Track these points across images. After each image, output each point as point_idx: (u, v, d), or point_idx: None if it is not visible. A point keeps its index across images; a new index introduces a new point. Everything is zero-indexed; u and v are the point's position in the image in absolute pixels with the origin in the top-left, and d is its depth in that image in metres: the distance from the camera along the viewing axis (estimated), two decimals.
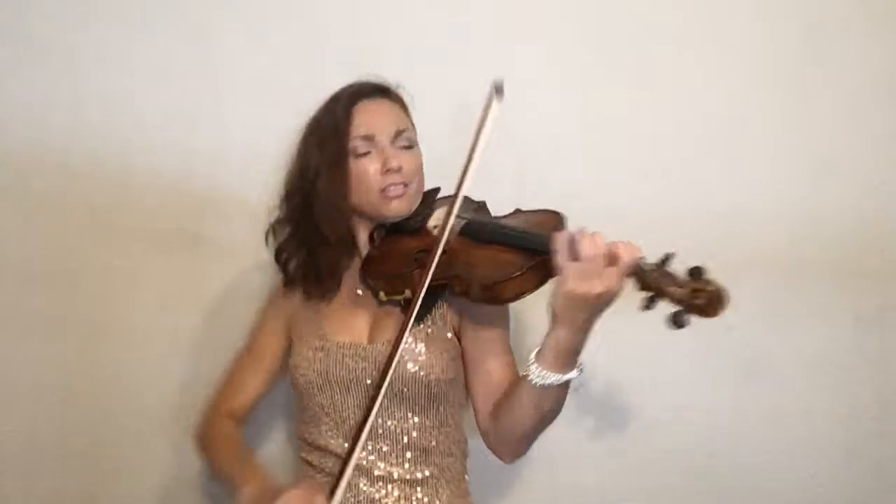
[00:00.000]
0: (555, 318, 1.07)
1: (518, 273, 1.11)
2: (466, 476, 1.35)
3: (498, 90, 1.16)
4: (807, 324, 1.64)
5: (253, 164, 1.60)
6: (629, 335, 1.61)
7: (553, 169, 1.62)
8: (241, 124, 1.60)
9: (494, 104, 1.16)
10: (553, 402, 1.15)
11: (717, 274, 1.25)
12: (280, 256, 1.34)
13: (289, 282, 1.34)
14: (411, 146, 1.31)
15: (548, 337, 1.09)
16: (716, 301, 1.00)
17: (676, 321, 1.01)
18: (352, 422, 1.26)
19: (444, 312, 1.28)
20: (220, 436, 1.35)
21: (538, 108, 1.59)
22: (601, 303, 1.04)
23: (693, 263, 1.03)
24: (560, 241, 1.05)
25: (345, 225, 1.29)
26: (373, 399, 1.15)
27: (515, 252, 1.14)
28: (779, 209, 1.64)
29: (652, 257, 1.05)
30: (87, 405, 1.60)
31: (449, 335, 1.28)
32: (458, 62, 1.62)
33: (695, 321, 1.01)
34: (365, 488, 1.25)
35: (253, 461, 1.29)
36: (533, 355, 1.12)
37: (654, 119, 1.64)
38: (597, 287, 1.02)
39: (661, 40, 1.64)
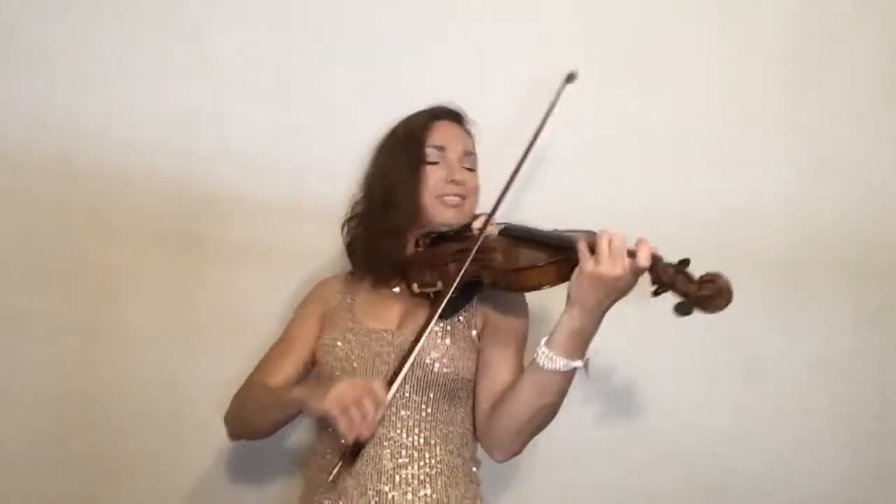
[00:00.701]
0: (571, 300, 1.16)
1: (542, 263, 1.20)
2: (474, 481, 1.34)
3: (570, 78, 1.40)
4: (807, 324, 1.64)
5: (252, 165, 1.60)
6: (630, 335, 1.62)
7: (553, 169, 1.62)
8: (241, 124, 1.60)
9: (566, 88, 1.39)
10: (553, 393, 1.19)
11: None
12: (351, 248, 1.41)
13: (357, 268, 1.41)
14: (474, 169, 1.41)
15: (561, 318, 1.16)
16: (718, 294, 1.07)
17: (681, 310, 1.09)
18: None
19: (472, 314, 1.34)
20: (256, 389, 1.36)
21: (538, 108, 1.58)
22: (617, 288, 1.13)
23: (704, 269, 1.10)
24: (584, 239, 1.16)
25: (413, 220, 1.36)
26: (403, 359, 1.22)
27: (545, 249, 1.23)
28: (779, 209, 1.64)
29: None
30: (87, 405, 1.60)
31: (474, 333, 1.33)
32: (459, 62, 1.62)
33: (697, 314, 1.08)
34: (372, 479, 1.26)
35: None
36: (543, 340, 1.18)
37: (653, 119, 1.64)
38: (617, 269, 1.12)
39: (662, 40, 1.65)
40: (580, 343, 1.16)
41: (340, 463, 1.19)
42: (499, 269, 1.25)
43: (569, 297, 1.16)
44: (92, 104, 1.58)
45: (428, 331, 1.24)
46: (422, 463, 1.27)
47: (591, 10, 1.64)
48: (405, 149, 1.38)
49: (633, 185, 1.62)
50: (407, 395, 1.27)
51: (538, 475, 1.64)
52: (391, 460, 1.26)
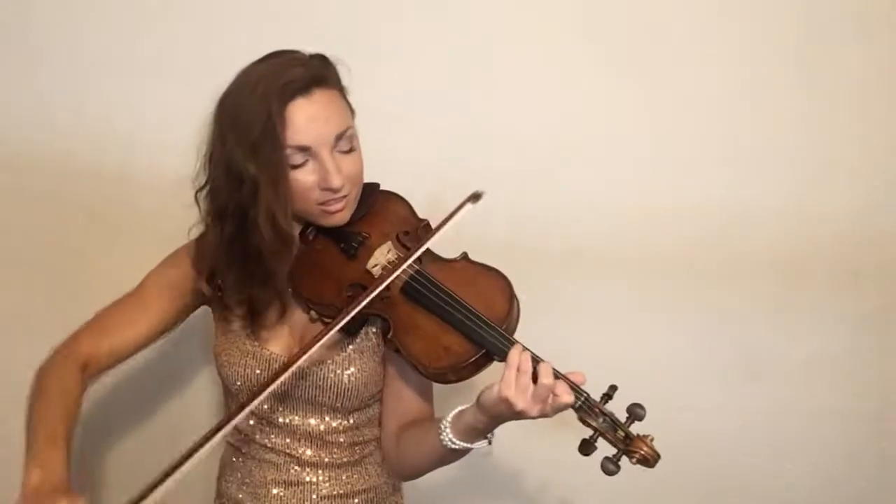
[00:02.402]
0: (479, 404, 1.07)
1: (467, 363, 1.08)
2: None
3: (475, 198, 1.15)
4: (807, 324, 1.64)
5: None
6: (629, 336, 1.62)
7: (553, 169, 1.62)
8: None
9: (468, 206, 1.15)
10: (458, 458, 1.17)
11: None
12: (212, 281, 1.21)
13: (223, 309, 1.22)
14: (352, 149, 1.16)
15: (467, 414, 1.09)
16: (647, 462, 1.07)
17: (606, 469, 1.07)
18: (278, 420, 1.21)
19: (377, 327, 1.22)
20: (58, 388, 1.18)
21: (538, 108, 1.58)
22: (527, 418, 1.05)
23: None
24: (515, 359, 1.04)
25: (290, 252, 1.16)
26: (254, 395, 1.08)
27: (461, 337, 1.09)
28: (779, 209, 1.64)
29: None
30: (87, 405, 1.60)
31: (376, 340, 1.21)
32: (459, 62, 1.62)
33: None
34: (294, 472, 1.22)
35: (67, 437, 1.13)
36: (449, 420, 1.11)
37: (653, 119, 1.64)
38: (534, 411, 1.03)
39: (662, 40, 1.64)
40: (485, 431, 1.10)
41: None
42: (413, 356, 1.10)
43: (479, 396, 1.06)
44: (92, 104, 1.58)
45: (301, 360, 1.08)
46: (336, 455, 1.23)
47: (592, 10, 1.64)
48: (258, 150, 1.08)
49: (634, 186, 1.62)
50: (318, 414, 1.20)
51: (537, 475, 1.64)
52: (311, 453, 1.22)
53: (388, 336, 1.13)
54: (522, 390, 1.02)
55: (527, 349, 1.06)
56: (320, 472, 1.23)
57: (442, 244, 1.17)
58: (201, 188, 1.18)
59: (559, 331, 1.54)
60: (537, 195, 1.59)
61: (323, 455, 1.23)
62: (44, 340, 1.58)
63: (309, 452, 1.23)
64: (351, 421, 1.23)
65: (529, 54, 1.63)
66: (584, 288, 1.61)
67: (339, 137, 1.13)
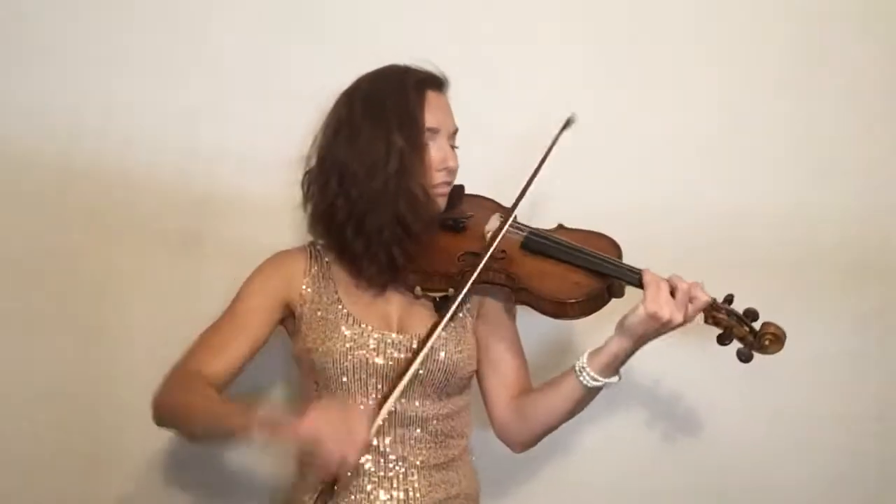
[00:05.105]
0: (622, 331, 1.19)
1: (594, 294, 1.21)
2: (473, 457, 1.37)
3: (569, 123, 1.34)
4: (807, 324, 1.64)
5: (252, 164, 1.60)
6: None
7: (553, 170, 1.62)
8: (241, 124, 1.60)
9: (565, 134, 1.33)
10: (587, 404, 1.27)
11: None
12: (343, 234, 1.25)
13: (355, 262, 1.26)
14: (457, 147, 1.34)
15: (609, 344, 1.21)
16: (777, 343, 1.22)
17: (742, 357, 1.22)
18: (371, 404, 1.23)
19: (471, 306, 1.33)
20: (199, 391, 1.18)
21: (538, 108, 1.58)
22: (669, 329, 1.19)
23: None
24: (651, 277, 1.20)
25: (431, 212, 1.27)
26: (399, 376, 1.17)
27: (585, 273, 1.23)
28: (779, 209, 1.64)
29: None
30: (87, 405, 1.60)
31: (471, 320, 1.32)
32: (459, 63, 1.61)
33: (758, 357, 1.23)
34: (383, 473, 1.25)
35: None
36: (585, 359, 1.23)
37: (653, 120, 1.64)
38: (679, 317, 1.17)
39: (661, 41, 1.65)
40: (621, 364, 1.22)
41: (317, 496, 1.14)
42: (543, 298, 1.21)
43: (621, 326, 1.19)
44: (92, 103, 1.58)
45: (429, 345, 1.18)
46: (432, 452, 1.26)
47: (592, 10, 1.64)
48: (399, 130, 1.22)
49: (634, 186, 1.62)
50: (418, 395, 1.25)
51: (536, 475, 1.64)
52: (403, 452, 1.25)
53: (516, 287, 1.22)
54: (666, 301, 1.16)
55: None
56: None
57: None
58: (312, 172, 1.30)
59: (557, 329, 1.54)
60: (536, 195, 1.59)
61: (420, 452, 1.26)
62: (44, 340, 1.59)
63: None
64: (447, 409, 1.28)
65: (529, 55, 1.63)
66: None
67: (454, 133, 1.32)
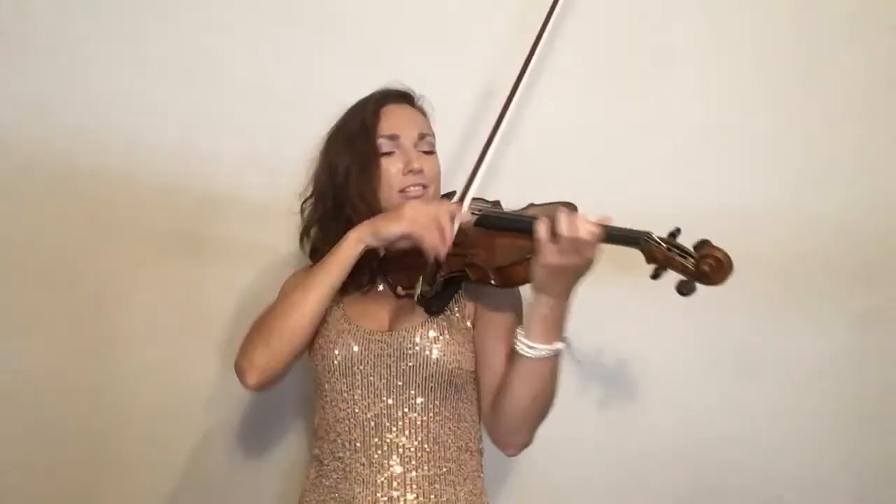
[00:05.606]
0: (536, 290, 1.15)
1: (528, 257, 1.16)
2: (481, 475, 1.34)
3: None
4: (806, 323, 1.65)
5: (252, 164, 1.60)
6: (628, 336, 1.62)
7: (553, 170, 1.62)
8: (241, 124, 1.60)
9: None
10: (543, 380, 1.19)
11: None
12: (315, 256, 1.36)
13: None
14: (432, 151, 1.36)
15: (531, 308, 1.16)
16: (720, 267, 1.06)
17: (683, 290, 1.08)
18: (368, 413, 1.25)
19: (464, 305, 1.31)
20: (283, 297, 1.33)
21: (539, 109, 1.58)
22: (577, 273, 1.13)
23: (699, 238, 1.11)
24: (541, 225, 1.13)
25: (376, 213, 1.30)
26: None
27: (527, 238, 1.16)
28: (778, 209, 1.64)
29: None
30: (87, 405, 1.60)
31: (468, 324, 1.30)
32: (459, 62, 1.62)
33: (701, 289, 1.07)
34: (383, 487, 1.25)
35: None
36: (519, 329, 1.18)
37: (653, 120, 1.64)
38: (574, 260, 1.10)
39: (661, 41, 1.65)
40: (555, 326, 1.16)
41: (422, 280, 1.22)
42: (483, 267, 1.21)
43: (534, 288, 1.15)
44: (92, 104, 1.58)
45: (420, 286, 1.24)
46: (431, 464, 1.26)
47: (592, 11, 1.64)
48: (353, 142, 1.32)
49: (633, 186, 1.62)
50: (413, 398, 1.26)
51: (536, 474, 1.64)
52: (401, 465, 1.25)
53: (469, 263, 1.22)
54: (553, 252, 1.10)
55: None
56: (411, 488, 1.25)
57: None
58: (307, 198, 1.40)
59: None
60: (536, 196, 1.59)
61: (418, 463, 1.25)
62: (43, 340, 1.59)
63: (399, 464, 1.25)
64: (449, 412, 1.27)
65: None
66: (582, 288, 1.61)
67: (421, 136, 1.34)
